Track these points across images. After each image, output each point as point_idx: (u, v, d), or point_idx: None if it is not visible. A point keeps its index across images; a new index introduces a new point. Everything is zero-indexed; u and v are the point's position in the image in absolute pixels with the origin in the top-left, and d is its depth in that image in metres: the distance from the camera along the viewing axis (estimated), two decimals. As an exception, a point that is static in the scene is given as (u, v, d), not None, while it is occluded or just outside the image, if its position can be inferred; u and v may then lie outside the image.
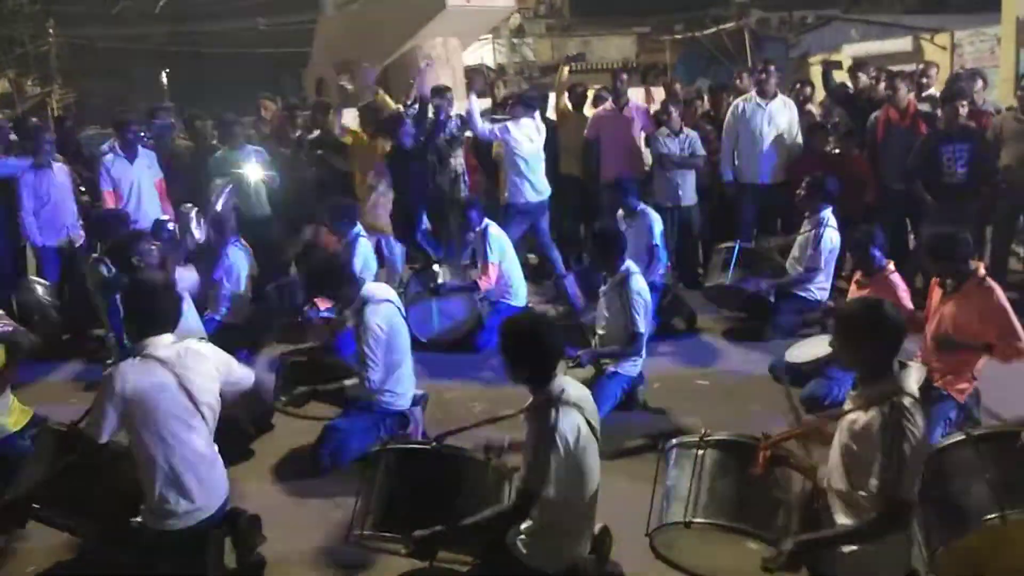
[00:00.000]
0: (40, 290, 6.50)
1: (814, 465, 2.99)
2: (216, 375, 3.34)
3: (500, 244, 6.47)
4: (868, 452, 2.68)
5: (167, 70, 31.60)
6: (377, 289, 4.58)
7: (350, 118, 8.87)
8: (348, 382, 4.49)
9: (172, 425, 3.15)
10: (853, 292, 5.09)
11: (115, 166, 7.04)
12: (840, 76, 8.25)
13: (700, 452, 2.97)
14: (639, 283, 4.88)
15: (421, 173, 7.49)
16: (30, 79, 24.16)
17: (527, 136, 7.21)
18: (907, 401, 2.68)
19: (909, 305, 4.81)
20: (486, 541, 3.11)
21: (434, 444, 3.29)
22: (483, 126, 7.22)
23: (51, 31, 26.39)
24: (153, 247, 5.13)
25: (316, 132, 7.92)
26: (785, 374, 4.95)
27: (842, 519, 2.77)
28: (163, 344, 3.24)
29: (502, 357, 3.10)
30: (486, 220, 6.58)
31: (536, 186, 7.30)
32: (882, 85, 7.59)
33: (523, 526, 3.05)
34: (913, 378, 2.82)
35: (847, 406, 2.91)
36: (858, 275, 5.10)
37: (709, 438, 3.01)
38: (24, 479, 3.47)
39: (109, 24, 29.01)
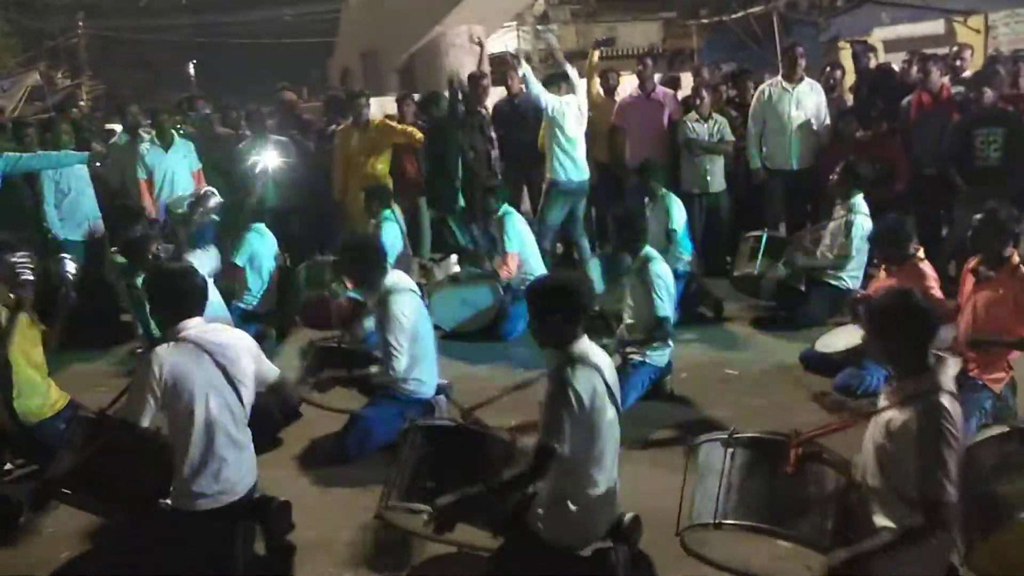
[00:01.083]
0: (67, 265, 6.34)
1: (846, 460, 2.93)
2: (251, 360, 3.41)
3: (519, 232, 6.44)
4: (905, 453, 2.62)
5: (194, 61, 31.84)
6: (400, 279, 4.57)
7: (377, 107, 8.89)
8: (374, 369, 4.50)
9: (207, 407, 3.20)
10: (882, 279, 4.99)
11: (149, 155, 7.12)
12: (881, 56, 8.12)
13: (729, 450, 2.91)
14: (660, 267, 4.85)
15: (459, 147, 7.58)
16: (60, 72, 24.39)
17: (574, 115, 7.14)
18: (945, 400, 2.62)
19: (939, 294, 4.71)
20: (509, 513, 3.11)
21: (460, 422, 3.33)
22: (542, 92, 7.05)
23: (80, 23, 26.64)
24: (160, 247, 5.14)
25: (332, 127, 7.97)
26: (816, 363, 4.88)
27: (880, 519, 2.71)
28: (195, 326, 3.30)
29: (530, 317, 3.13)
30: (507, 207, 6.55)
31: (579, 165, 7.23)
32: (915, 68, 7.44)
33: (540, 500, 3.06)
34: (950, 371, 2.75)
35: (882, 402, 2.84)
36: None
37: (738, 435, 2.95)
38: (56, 466, 3.52)
39: (137, 16, 29.24)
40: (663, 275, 4.82)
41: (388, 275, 4.51)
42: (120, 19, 28.72)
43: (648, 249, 4.95)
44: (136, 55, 30.10)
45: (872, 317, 2.84)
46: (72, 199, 6.78)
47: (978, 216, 4.20)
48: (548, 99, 6.99)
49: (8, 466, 4.37)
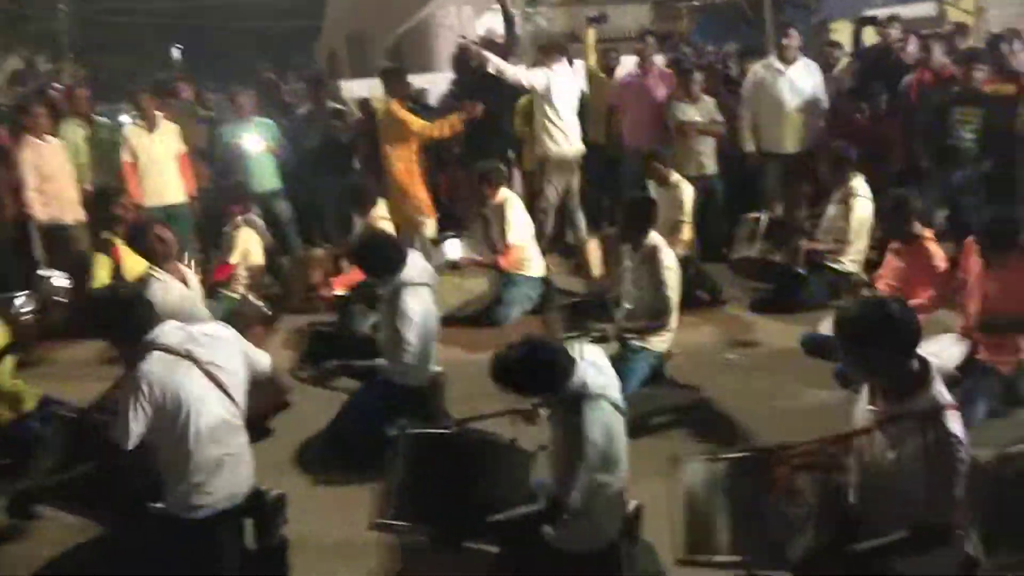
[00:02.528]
0: (54, 281, 6.18)
1: (839, 462, 2.71)
2: (240, 355, 3.22)
3: (519, 219, 6.29)
4: (910, 476, 2.44)
5: (179, 45, 31.41)
6: (416, 271, 4.41)
7: (364, 89, 8.73)
8: (380, 361, 4.37)
9: (201, 418, 3.02)
10: (889, 261, 4.92)
11: (134, 137, 6.95)
12: (872, 35, 7.97)
13: (713, 477, 2.76)
14: (669, 256, 4.76)
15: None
16: (42, 56, 23.97)
17: (564, 85, 6.99)
18: (950, 421, 2.40)
19: (944, 270, 4.62)
20: (513, 531, 2.98)
21: (455, 428, 3.17)
22: (519, 74, 6.89)
23: (62, 6, 26.21)
24: (166, 233, 4.99)
25: (308, 106, 7.79)
26: (817, 348, 4.78)
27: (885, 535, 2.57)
28: (169, 332, 3.09)
29: (509, 389, 2.90)
30: (506, 191, 6.39)
31: (571, 137, 7.08)
32: (911, 47, 7.31)
33: None
34: (941, 376, 2.56)
35: (866, 415, 2.61)
36: (894, 243, 4.93)
37: (720, 457, 2.82)
38: (35, 471, 3.36)
39: (120, -2, 28.84)
40: (673, 266, 4.74)
41: (406, 266, 4.35)
42: (103, 1, 28.28)
43: (654, 235, 4.84)
44: (120, 38, 29.61)
45: (845, 335, 2.53)
46: (53, 184, 6.61)
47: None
48: (533, 78, 6.83)
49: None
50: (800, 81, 7.13)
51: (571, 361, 2.89)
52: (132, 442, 2.94)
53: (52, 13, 26.09)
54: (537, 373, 2.85)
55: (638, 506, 3.15)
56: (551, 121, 6.95)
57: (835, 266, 5.90)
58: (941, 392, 2.48)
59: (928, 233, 4.75)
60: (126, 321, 3.09)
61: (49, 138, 6.74)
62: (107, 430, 3.02)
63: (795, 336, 5.26)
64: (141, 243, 4.95)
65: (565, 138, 7.03)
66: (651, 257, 4.74)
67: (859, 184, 5.91)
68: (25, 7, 25.49)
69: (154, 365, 2.98)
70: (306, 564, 3.41)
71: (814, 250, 5.97)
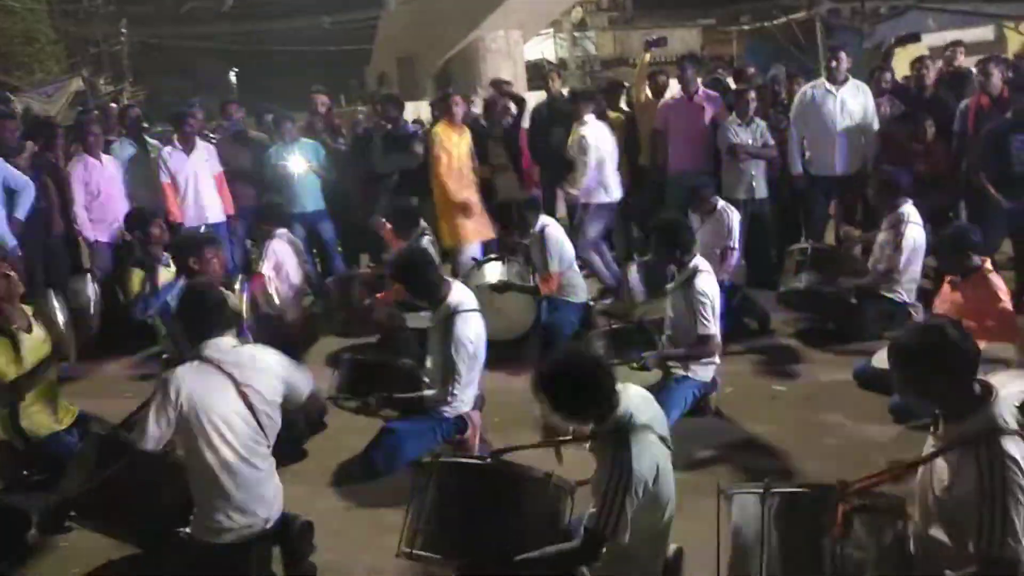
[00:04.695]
0: (87, 292, 6.00)
1: (900, 501, 2.59)
2: (280, 385, 3.19)
3: (560, 247, 6.19)
4: (966, 506, 2.32)
5: (235, 68, 32.21)
6: (465, 296, 4.37)
7: (414, 111, 8.75)
8: (428, 392, 4.32)
9: (228, 434, 3.00)
10: (946, 294, 4.71)
11: (172, 159, 7.05)
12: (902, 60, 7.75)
13: (767, 509, 2.57)
14: (705, 283, 4.54)
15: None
16: (103, 78, 24.76)
17: (598, 134, 6.95)
18: (1008, 444, 2.29)
19: (1009, 306, 4.43)
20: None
21: (489, 459, 3.04)
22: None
23: (123, 31, 27.06)
24: (211, 251, 5.00)
25: (389, 127, 7.72)
26: (872, 380, 4.59)
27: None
28: (223, 347, 3.12)
29: (555, 406, 2.78)
30: (544, 220, 6.32)
31: (611, 186, 7.07)
32: (931, 72, 7.07)
33: None
34: (1005, 401, 2.41)
35: (930, 446, 2.51)
36: (952, 276, 4.72)
37: (776, 490, 2.61)
38: (64, 486, 3.34)
39: (178, 24, 29.68)
40: (707, 292, 4.51)
41: (452, 291, 4.33)
42: (162, 27, 29.19)
43: (697, 260, 4.66)
44: (178, 62, 30.48)
45: (901, 360, 2.45)
46: (101, 202, 6.73)
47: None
48: (588, 132, 6.90)
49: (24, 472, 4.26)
50: (850, 102, 6.94)
51: (614, 381, 2.78)
52: (149, 444, 2.97)
53: (114, 37, 26.95)
54: (580, 386, 2.73)
55: (678, 549, 3.00)
56: (603, 168, 6.95)
57: (889, 295, 5.67)
58: (1002, 415, 2.37)
59: (988, 264, 4.54)
60: (202, 317, 3.18)
61: (104, 157, 6.87)
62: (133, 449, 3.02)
63: (847, 368, 5.09)
64: (184, 260, 5.00)
65: (606, 187, 7.01)
66: (687, 283, 4.57)
67: (909, 210, 5.68)
68: (89, 31, 26.38)
69: (190, 373, 3.02)
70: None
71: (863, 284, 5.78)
